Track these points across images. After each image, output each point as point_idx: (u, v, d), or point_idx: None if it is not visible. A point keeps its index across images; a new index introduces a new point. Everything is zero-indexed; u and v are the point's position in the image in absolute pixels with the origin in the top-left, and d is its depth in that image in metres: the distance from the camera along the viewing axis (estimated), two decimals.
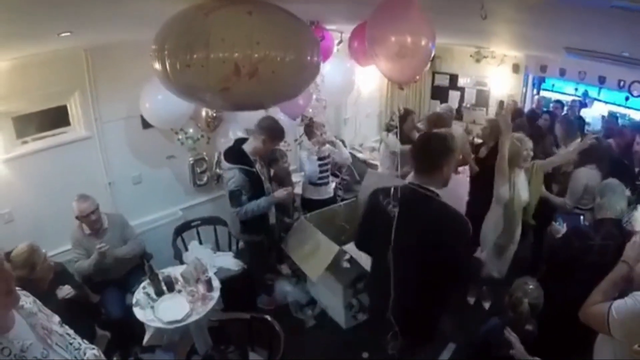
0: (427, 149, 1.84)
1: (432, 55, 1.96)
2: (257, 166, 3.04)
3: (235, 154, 3.01)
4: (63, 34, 2.11)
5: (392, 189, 1.83)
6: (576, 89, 7.43)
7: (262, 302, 3.57)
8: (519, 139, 2.98)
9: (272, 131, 2.98)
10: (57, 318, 1.55)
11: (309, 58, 1.65)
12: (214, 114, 3.72)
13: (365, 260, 2.81)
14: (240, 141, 3.10)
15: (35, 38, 2.17)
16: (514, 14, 2.19)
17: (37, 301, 1.50)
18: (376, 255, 2.10)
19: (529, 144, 3.01)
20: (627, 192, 2.46)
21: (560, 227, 2.87)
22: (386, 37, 1.88)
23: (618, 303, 1.59)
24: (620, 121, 6.67)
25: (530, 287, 2.17)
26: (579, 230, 2.58)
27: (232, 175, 2.91)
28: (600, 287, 1.73)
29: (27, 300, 1.44)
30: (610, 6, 1.37)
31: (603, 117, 7.12)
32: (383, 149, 4.32)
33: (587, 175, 3.19)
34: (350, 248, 2.92)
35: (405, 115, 4.03)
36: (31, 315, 1.40)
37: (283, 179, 3.54)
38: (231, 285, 3.04)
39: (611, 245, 2.14)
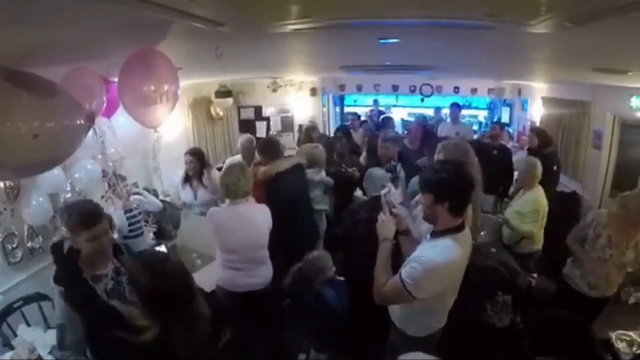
0: None
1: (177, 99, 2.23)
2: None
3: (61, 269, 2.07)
4: None
5: None
6: (375, 100, 8.68)
7: None
8: None
9: (79, 218, 1.99)
10: None
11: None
12: (10, 184, 3.48)
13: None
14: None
15: None
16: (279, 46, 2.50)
17: None
18: None
19: None
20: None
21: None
22: (133, 87, 2.11)
23: (405, 272, 1.74)
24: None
25: None
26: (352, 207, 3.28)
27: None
28: (378, 269, 1.85)
29: None
30: None
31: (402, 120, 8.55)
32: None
33: None
34: None
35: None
36: None
37: None
38: None
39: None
